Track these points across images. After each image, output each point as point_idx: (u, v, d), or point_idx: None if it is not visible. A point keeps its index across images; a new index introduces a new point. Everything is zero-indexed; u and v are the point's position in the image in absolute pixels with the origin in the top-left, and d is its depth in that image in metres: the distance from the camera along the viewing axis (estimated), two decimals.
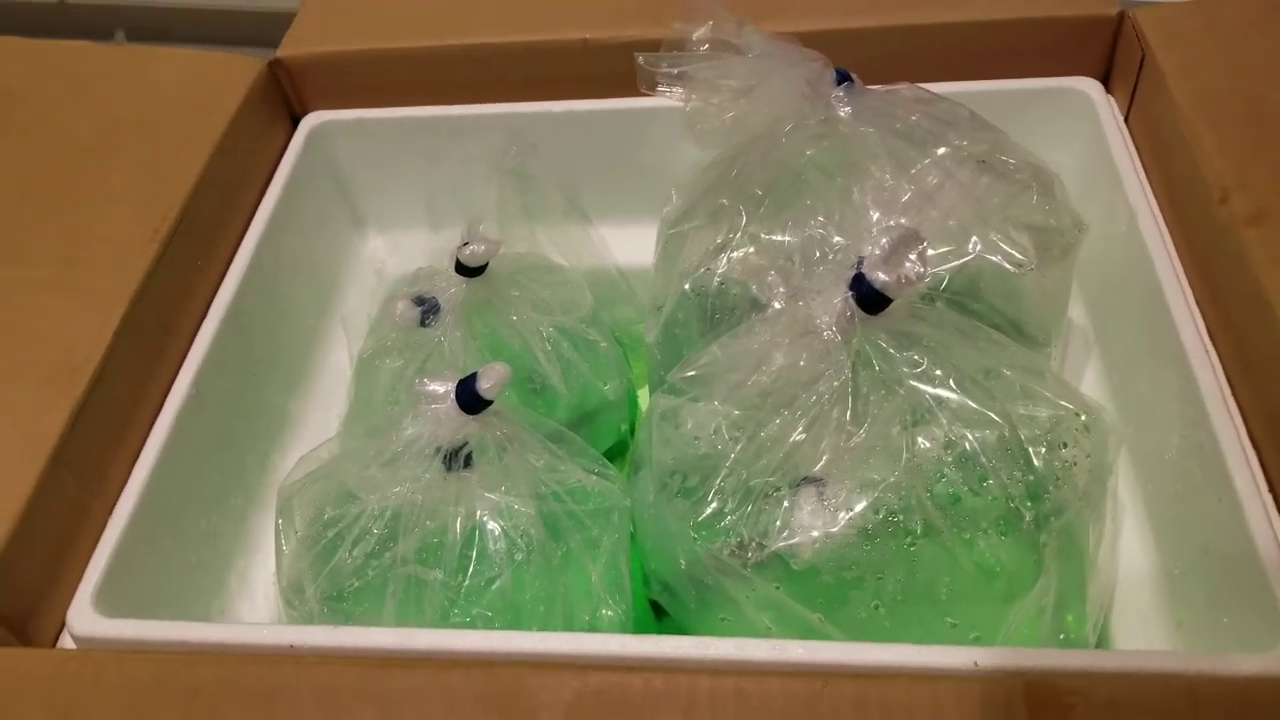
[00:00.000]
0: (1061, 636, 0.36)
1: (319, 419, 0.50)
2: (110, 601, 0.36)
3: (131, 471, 0.39)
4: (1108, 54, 0.49)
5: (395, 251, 0.56)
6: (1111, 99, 0.49)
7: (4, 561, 0.34)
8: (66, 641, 0.36)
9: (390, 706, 0.29)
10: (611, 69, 0.49)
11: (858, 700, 0.27)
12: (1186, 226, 0.42)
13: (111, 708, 0.31)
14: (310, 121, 0.53)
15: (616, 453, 0.51)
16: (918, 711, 0.27)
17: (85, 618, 0.35)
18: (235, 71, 0.50)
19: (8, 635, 0.35)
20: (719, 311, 0.43)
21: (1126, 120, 0.48)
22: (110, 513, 0.38)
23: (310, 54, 0.52)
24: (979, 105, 0.43)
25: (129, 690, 0.31)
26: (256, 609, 0.44)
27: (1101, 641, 0.39)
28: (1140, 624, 0.38)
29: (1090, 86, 0.48)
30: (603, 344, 0.49)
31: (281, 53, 0.52)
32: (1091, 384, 0.45)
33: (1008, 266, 0.39)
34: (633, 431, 0.51)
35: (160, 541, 0.40)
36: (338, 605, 0.38)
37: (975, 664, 0.29)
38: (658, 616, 0.42)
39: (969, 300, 0.41)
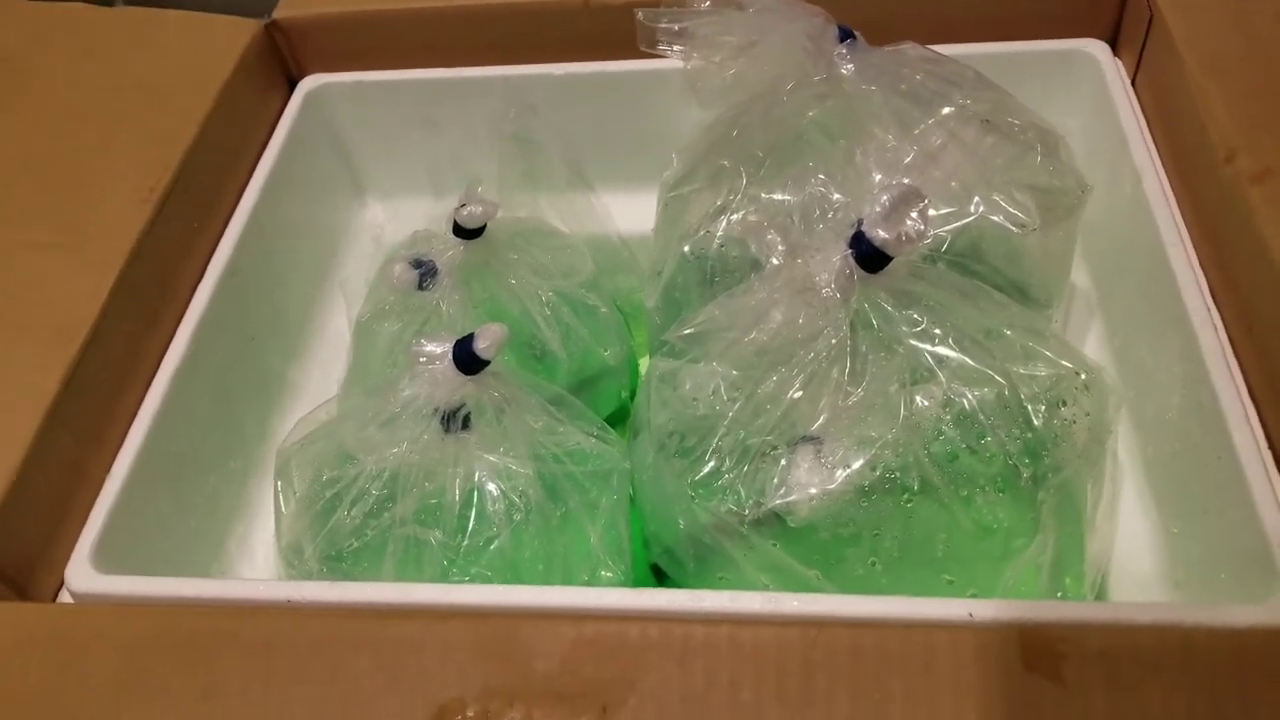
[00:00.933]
0: (1059, 595, 0.36)
1: (318, 384, 0.50)
2: (108, 559, 0.36)
3: (129, 431, 0.39)
4: (1116, 16, 0.49)
5: (394, 217, 0.56)
6: (1119, 61, 0.48)
7: (2, 518, 0.34)
8: (65, 599, 0.36)
9: (387, 654, 0.29)
10: (614, 30, 0.49)
11: (852, 648, 0.27)
12: (1191, 188, 0.41)
13: (110, 660, 0.31)
14: (307, 84, 0.52)
15: (617, 419, 0.51)
16: (912, 660, 0.27)
17: (83, 574, 0.36)
18: (232, 34, 0.50)
19: (6, 591, 0.35)
20: (719, 274, 0.42)
21: (1133, 83, 0.48)
22: (108, 472, 0.38)
23: (307, 16, 0.51)
24: (985, 67, 0.42)
25: (127, 643, 0.31)
26: (256, 572, 0.44)
27: (1099, 600, 0.38)
28: (1137, 585, 0.38)
29: (1097, 49, 0.48)
30: (603, 309, 0.49)
31: (278, 14, 0.52)
32: (1093, 347, 0.45)
33: (1010, 227, 0.39)
34: (633, 397, 0.51)
35: (158, 501, 0.40)
36: (336, 565, 0.38)
37: (970, 615, 0.29)
38: (659, 582, 0.42)
39: (971, 262, 0.40)
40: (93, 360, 0.39)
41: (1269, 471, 0.33)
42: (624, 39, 0.43)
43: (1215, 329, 0.37)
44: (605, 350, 0.48)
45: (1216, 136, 0.39)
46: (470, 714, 0.28)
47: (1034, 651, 0.27)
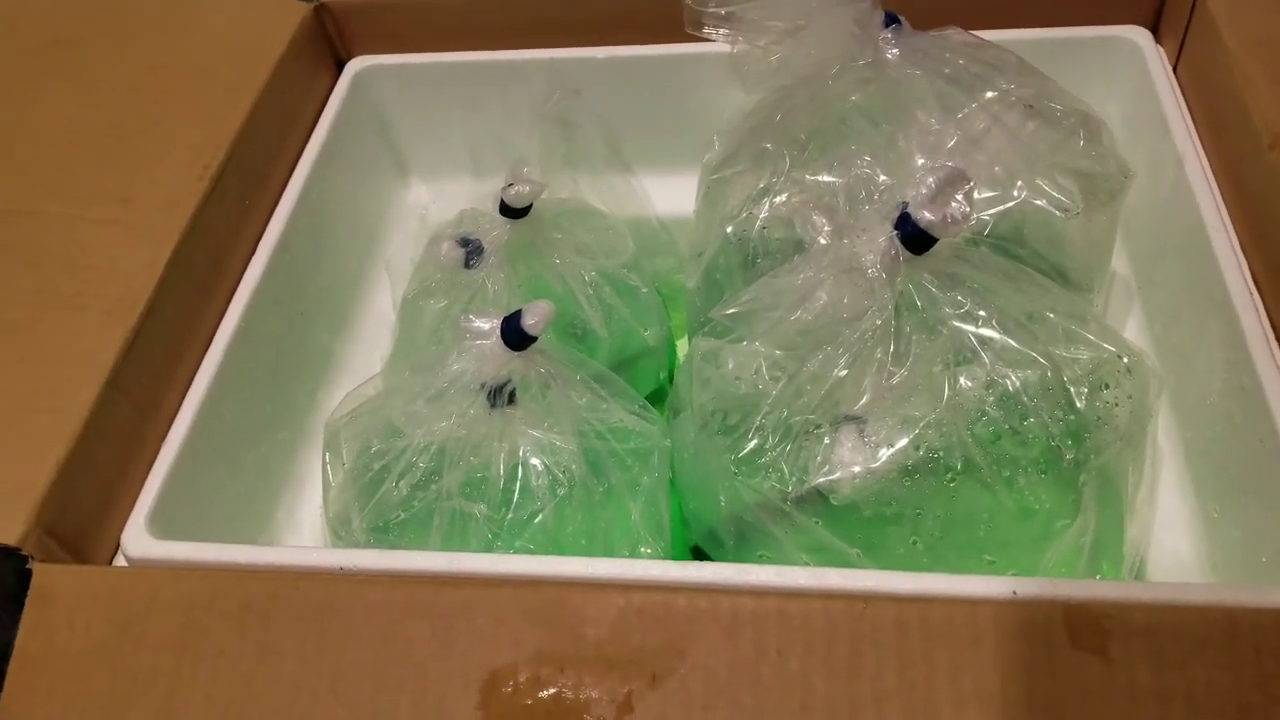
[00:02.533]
0: (1098, 578, 0.36)
1: (364, 359, 0.51)
2: (163, 525, 0.37)
3: (183, 401, 0.40)
4: (1158, 2, 0.49)
5: (439, 197, 0.57)
6: (1160, 48, 0.48)
7: (62, 481, 0.35)
8: (121, 563, 0.37)
9: (440, 620, 0.30)
10: (657, 13, 0.49)
11: (899, 621, 0.28)
12: (1234, 172, 0.41)
13: (168, 620, 0.32)
14: (355, 66, 0.53)
15: (655, 400, 0.52)
16: (958, 633, 0.27)
17: (139, 539, 0.37)
18: (281, 16, 0.51)
19: (65, 555, 0.36)
20: (761, 256, 0.43)
21: (1175, 70, 0.47)
22: (163, 440, 0.39)
23: None
24: (1027, 52, 0.42)
25: (184, 605, 0.32)
26: (302, 542, 0.45)
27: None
28: (1176, 568, 0.38)
29: (1139, 35, 0.48)
30: (643, 289, 0.49)
31: None
32: (1133, 333, 0.45)
33: (1053, 211, 0.39)
34: (671, 379, 0.52)
35: (211, 470, 0.41)
36: (383, 536, 0.38)
37: (1014, 594, 0.29)
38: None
39: (1013, 246, 0.40)
40: (150, 331, 0.39)
41: None
42: (667, 23, 0.43)
43: (1258, 312, 0.37)
44: (646, 330, 0.49)
45: (1260, 122, 0.39)
46: (521, 680, 0.29)
47: (1079, 627, 0.27)
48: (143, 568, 0.36)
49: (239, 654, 0.31)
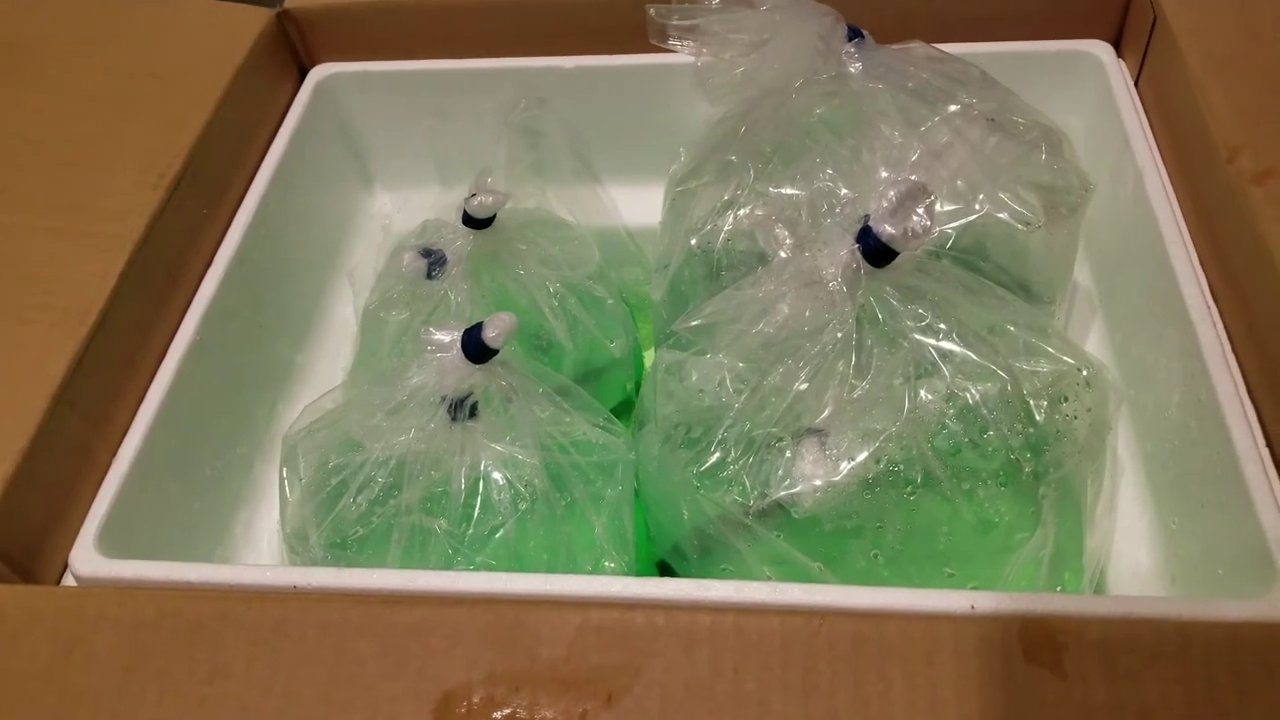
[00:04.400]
0: (1058, 590, 0.36)
1: (325, 371, 0.50)
2: (113, 543, 0.36)
3: (136, 415, 0.39)
4: (1120, 18, 0.49)
5: (402, 207, 0.56)
6: (1122, 62, 0.48)
7: (8, 498, 0.35)
8: (69, 583, 0.36)
9: (393, 640, 0.30)
10: (624, 23, 0.49)
11: (856, 637, 0.28)
12: (1193, 187, 0.42)
13: (115, 642, 0.31)
14: (318, 74, 0.53)
15: (621, 412, 0.51)
16: (915, 649, 0.27)
17: (88, 558, 0.36)
18: (243, 22, 0.50)
19: (10, 575, 0.35)
20: (725, 269, 0.43)
21: (1136, 84, 0.48)
22: (115, 455, 0.38)
23: (318, 5, 0.51)
24: (990, 66, 0.42)
25: (132, 625, 0.32)
26: (261, 559, 0.44)
27: (1097, 595, 0.39)
28: (1136, 579, 0.38)
29: (1101, 49, 0.48)
30: (609, 301, 0.49)
31: (289, 3, 0.52)
32: (1095, 344, 0.45)
33: (1015, 224, 0.39)
34: (638, 390, 0.52)
35: (164, 486, 0.40)
36: (341, 553, 0.38)
37: (972, 608, 0.29)
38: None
39: (975, 259, 0.41)
40: (101, 343, 0.39)
41: (1266, 468, 0.33)
42: (633, 33, 0.43)
43: (1215, 326, 0.37)
44: (611, 342, 0.48)
45: (1219, 137, 0.40)
46: (475, 700, 0.28)
47: (1035, 643, 0.27)
48: (90, 587, 0.35)
49: (187, 675, 0.30)
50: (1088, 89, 0.48)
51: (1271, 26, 0.44)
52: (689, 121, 0.46)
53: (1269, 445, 0.34)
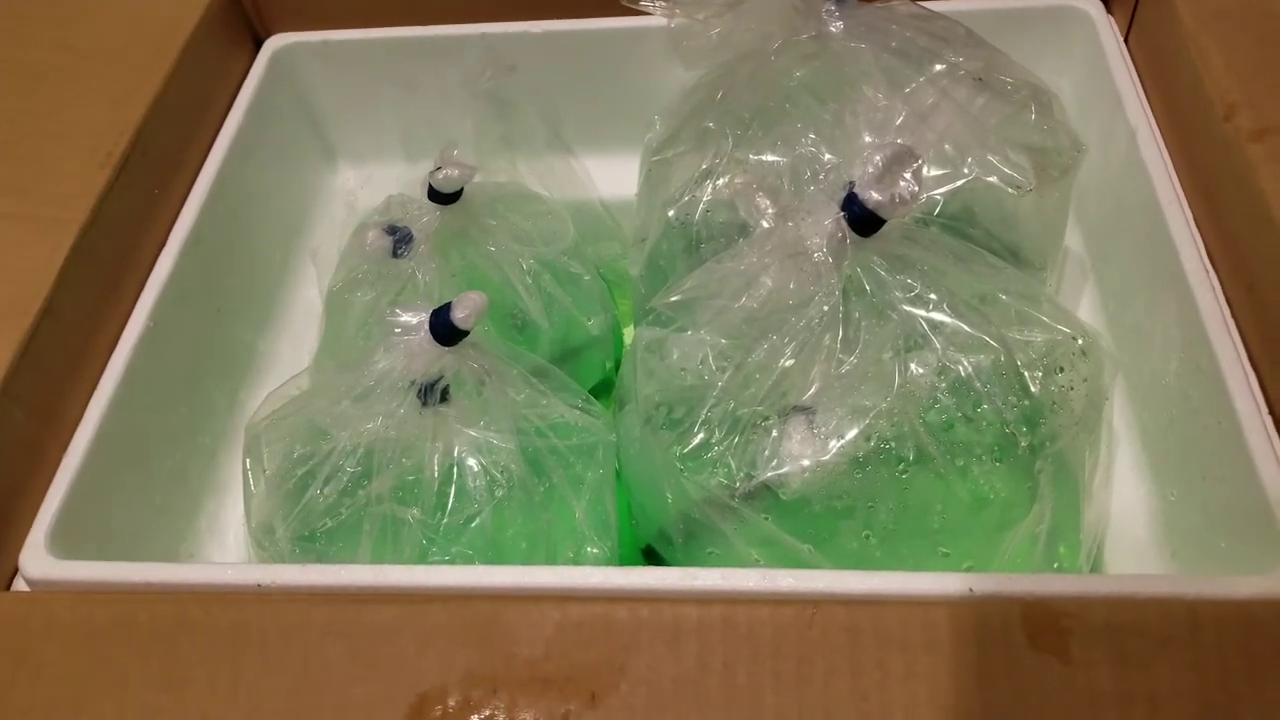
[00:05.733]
0: (1055, 566, 0.35)
1: (290, 356, 0.48)
2: (66, 543, 0.35)
3: (87, 407, 0.37)
4: None
5: (367, 183, 0.54)
6: (1111, 18, 0.47)
7: None
8: (20, 586, 0.35)
9: (362, 642, 0.28)
10: None
11: (850, 627, 0.26)
12: (1188, 145, 0.40)
13: (68, 649, 0.30)
14: (273, 44, 0.50)
15: (601, 391, 0.50)
16: (912, 637, 0.26)
17: (38, 560, 0.34)
18: None
19: None
20: (705, 241, 0.41)
21: (1126, 41, 0.46)
22: (65, 450, 0.36)
23: None
24: (976, 24, 0.41)
25: (85, 632, 0.30)
26: (228, 553, 0.42)
27: (1095, 571, 0.38)
28: (1134, 553, 0.37)
29: (1090, 5, 0.47)
30: (586, 277, 0.47)
31: None
32: (1087, 312, 0.44)
33: (1006, 188, 0.38)
34: (618, 369, 0.50)
35: (121, 480, 0.38)
36: (310, 545, 0.36)
37: (971, 590, 0.28)
38: (651, 564, 0.41)
39: (964, 225, 0.39)
40: (47, 333, 0.37)
41: (1270, 435, 0.32)
42: None
43: (1214, 290, 0.36)
44: (589, 319, 0.47)
45: (1215, 93, 0.38)
46: (451, 703, 0.27)
47: (1038, 628, 0.26)
48: (41, 592, 0.33)
49: (144, 684, 0.29)
50: (1077, 47, 0.47)
51: None
52: (664, 87, 0.44)
53: (1271, 412, 0.33)
